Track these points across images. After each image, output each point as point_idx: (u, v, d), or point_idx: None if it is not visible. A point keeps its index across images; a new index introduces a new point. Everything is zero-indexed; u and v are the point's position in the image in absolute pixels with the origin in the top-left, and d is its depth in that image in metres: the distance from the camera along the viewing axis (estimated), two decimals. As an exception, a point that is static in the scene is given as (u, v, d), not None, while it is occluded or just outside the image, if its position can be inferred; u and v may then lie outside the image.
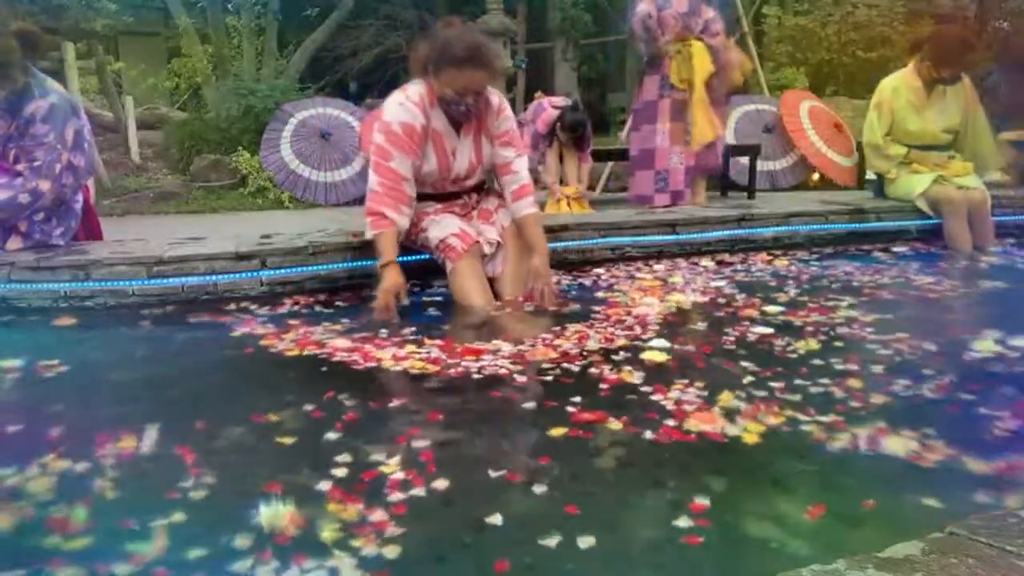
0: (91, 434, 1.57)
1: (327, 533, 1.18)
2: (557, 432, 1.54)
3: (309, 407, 1.71)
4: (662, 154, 4.39)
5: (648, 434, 1.52)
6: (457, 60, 2.50)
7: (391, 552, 1.13)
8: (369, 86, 9.71)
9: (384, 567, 1.10)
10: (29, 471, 1.40)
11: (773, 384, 1.80)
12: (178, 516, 1.24)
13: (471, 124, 2.70)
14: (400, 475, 1.36)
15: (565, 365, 1.96)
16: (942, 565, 0.85)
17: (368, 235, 2.67)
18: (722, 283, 2.96)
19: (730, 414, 1.61)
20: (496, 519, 1.21)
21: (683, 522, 1.19)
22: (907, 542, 0.90)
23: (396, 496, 1.30)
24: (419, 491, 1.31)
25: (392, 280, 2.51)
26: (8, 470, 1.40)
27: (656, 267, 3.30)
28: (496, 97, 2.74)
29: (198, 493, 1.32)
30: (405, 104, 2.61)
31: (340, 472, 1.38)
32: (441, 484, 1.33)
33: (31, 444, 1.55)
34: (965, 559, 0.86)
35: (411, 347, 2.13)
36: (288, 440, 1.53)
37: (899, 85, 3.93)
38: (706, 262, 3.40)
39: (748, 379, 1.84)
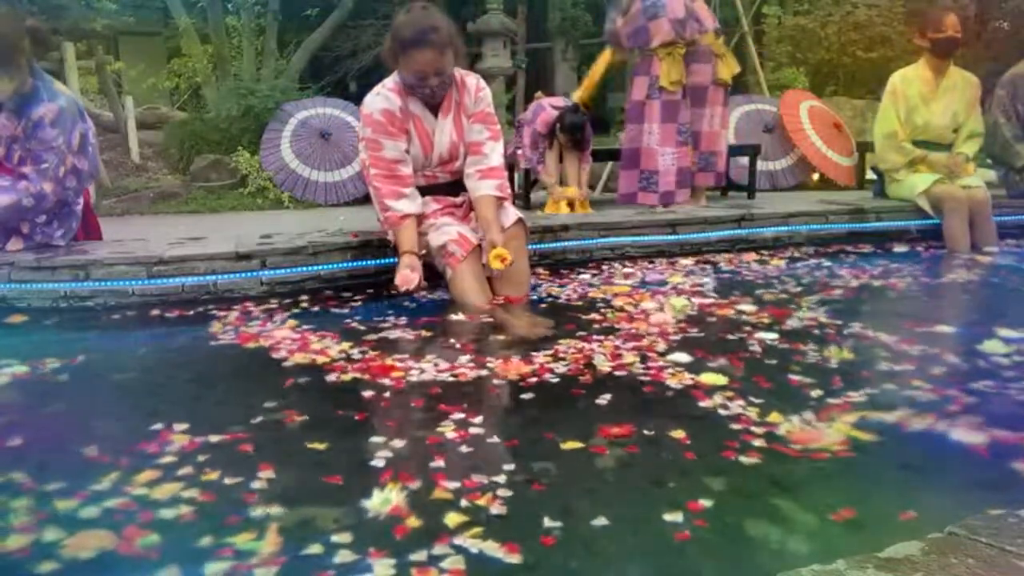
0: (132, 436, 1.56)
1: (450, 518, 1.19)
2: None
3: (315, 407, 1.71)
4: (648, 154, 4.40)
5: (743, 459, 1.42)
6: (405, 43, 2.57)
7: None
8: (369, 86, 9.67)
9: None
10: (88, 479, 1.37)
11: (825, 392, 1.74)
12: (271, 514, 1.23)
13: (448, 106, 2.75)
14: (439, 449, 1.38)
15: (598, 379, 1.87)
16: (942, 565, 0.85)
17: (390, 235, 2.73)
18: (724, 285, 2.95)
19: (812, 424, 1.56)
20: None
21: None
22: (907, 542, 0.90)
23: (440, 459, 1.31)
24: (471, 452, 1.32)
25: (406, 264, 2.61)
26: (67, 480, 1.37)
27: (648, 270, 3.29)
28: (473, 79, 2.81)
29: (271, 492, 1.31)
30: (381, 92, 2.72)
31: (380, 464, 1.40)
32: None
33: (61, 449, 1.55)
34: (965, 559, 0.86)
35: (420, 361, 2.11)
36: (322, 444, 1.51)
37: (910, 75, 4.00)
38: (687, 261, 3.39)
39: (813, 392, 1.75)
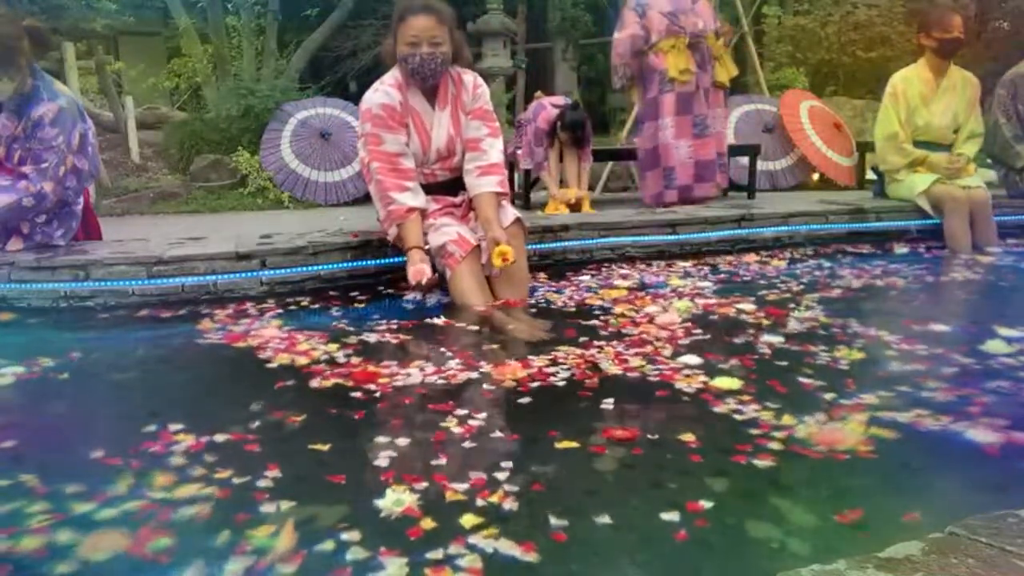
0: (134, 437, 1.55)
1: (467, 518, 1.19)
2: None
3: (314, 407, 1.71)
4: (667, 150, 4.40)
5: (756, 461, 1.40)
6: (402, 12, 2.65)
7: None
8: (369, 86, 9.68)
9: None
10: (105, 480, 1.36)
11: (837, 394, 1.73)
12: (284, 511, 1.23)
13: (445, 99, 2.77)
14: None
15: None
16: (942, 565, 0.84)
17: (390, 233, 2.74)
18: (725, 286, 2.94)
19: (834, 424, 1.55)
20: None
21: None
22: (907, 542, 0.90)
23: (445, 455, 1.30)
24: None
25: (418, 259, 2.61)
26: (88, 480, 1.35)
27: (646, 271, 3.28)
28: (471, 76, 2.84)
29: (281, 491, 1.30)
30: (380, 88, 2.76)
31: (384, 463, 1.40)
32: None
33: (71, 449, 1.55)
34: (965, 559, 0.86)
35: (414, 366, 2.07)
36: (324, 445, 1.51)
37: (910, 76, 4.00)
38: (686, 262, 3.39)
39: (826, 395, 1.73)
